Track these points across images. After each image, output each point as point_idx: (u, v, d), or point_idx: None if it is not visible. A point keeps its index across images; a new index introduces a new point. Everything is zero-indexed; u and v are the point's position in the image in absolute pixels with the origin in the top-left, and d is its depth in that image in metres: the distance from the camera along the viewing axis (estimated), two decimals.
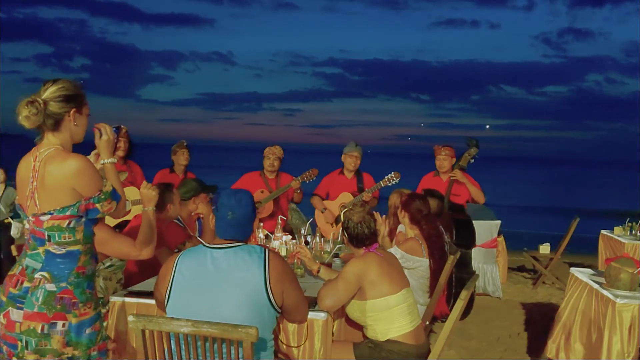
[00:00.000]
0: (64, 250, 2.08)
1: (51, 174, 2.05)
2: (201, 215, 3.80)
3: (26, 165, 2.13)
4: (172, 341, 2.05)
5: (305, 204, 5.52)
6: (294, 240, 3.73)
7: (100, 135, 2.29)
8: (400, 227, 4.11)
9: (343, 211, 2.97)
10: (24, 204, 2.12)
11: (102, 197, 2.11)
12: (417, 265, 3.55)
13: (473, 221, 5.48)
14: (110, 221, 3.38)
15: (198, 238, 3.56)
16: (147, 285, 2.93)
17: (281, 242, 3.68)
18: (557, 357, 3.72)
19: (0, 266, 6.20)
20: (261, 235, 3.87)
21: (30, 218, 2.10)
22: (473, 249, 5.80)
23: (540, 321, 5.13)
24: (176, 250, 3.31)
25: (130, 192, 3.88)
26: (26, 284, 2.06)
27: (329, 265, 3.38)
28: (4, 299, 2.09)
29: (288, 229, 4.85)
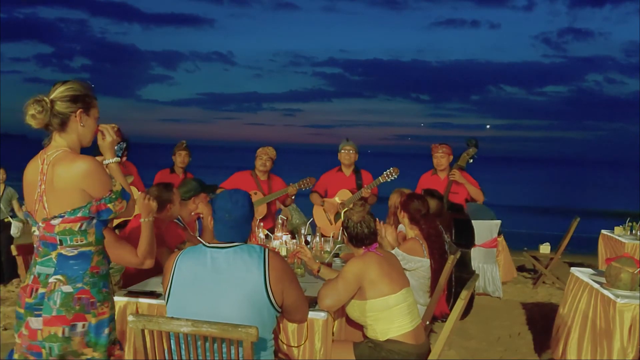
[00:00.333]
0: (75, 252, 2.07)
1: (60, 176, 2.03)
2: (201, 215, 3.80)
3: (33, 169, 2.11)
4: (172, 341, 2.04)
5: (304, 204, 5.53)
6: (294, 240, 3.73)
7: (104, 137, 2.29)
8: (400, 227, 4.12)
9: (343, 210, 2.97)
10: (32, 208, 2.10)
11: (113, 196, 2.12)
12: (417, 265, 3.55)
13: (473, 221, 5.48)
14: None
15: (198, 238, 3.56)
16: (147, 285, 2.93)
17: (281, 241, 3.68)
18: (558, 357, 3.72)
19: (0, 266, 6.20)
20: (261, 235, 3.88)
21: (40, 224, 2.07)
22: (473, 249, 5.80)
23: (540, 321, 5.13)
24: (176, 249, 3.31)
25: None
26: (41, 290, 2.05)
27: (329, 265, 3.38)
28: (21, 310, 2.08)
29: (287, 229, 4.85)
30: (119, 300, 2.70)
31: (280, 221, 3.97)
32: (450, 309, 2.71)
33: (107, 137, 2.28)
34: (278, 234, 3.80)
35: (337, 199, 5.19)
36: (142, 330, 2.01)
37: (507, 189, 30.70)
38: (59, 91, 2.07)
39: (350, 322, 2.89)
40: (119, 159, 2.32)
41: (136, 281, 3.03)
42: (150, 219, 2.74)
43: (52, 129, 2.10)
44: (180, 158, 5.64)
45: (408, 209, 3.70)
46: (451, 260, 3.52)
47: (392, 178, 5.05)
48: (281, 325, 2.52)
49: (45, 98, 2.05)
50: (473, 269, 5.65)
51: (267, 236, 3.93)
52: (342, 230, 2.92)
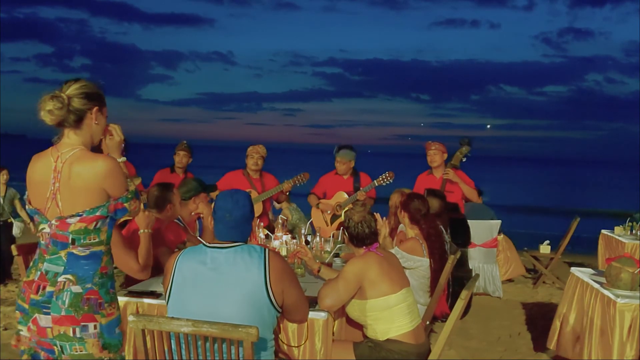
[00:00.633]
0: (87, 252, 2.06)
1: (80, 175, 2.02)
2: (201, 215, 3.80)
3: (44, 166, 2.09)
4: (172, 341, 2.04)
5: (304, 204, 5.53)
6: (294, 240, 3.73)
7: (111, 136, 2.29)
8: (400, 227, 4.12)
9: (344, 210, 2.98)
10: (43, 206, 2.07)
11: (129, 196, 2.11)
12: (417, 265, 3.55)
13: (474, 221, 5.48)
14: None
15: (198, 238, 3.56)
16: (147, 285, 2.93)
17: (281, 242, 3.68)
18: (554, 348, 3.73)
19: (2, 265, 6.21)
20: (261, 235, 3.88)
21: (53, 222, 2.05)
22: (473, 249, 5.79)
23: (540, 321, 5.14)
24: (176, 249, 3.32)
25: None
26: (49, 289, 2.03)
27: (329, 264, 3.38)
28: (25, 305, 2.07)
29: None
30: (119, 300, 2.70)
31: (280, 221, 3.97)
32: (448, 308, 2.72)
33: (116, 137, 2.28)
34: (278, 234, 3.80)
35: (333, 202, 5.19)
36: (143, 330, 2.01)
37: (507, 189, 30.72)
38: (74, 88, 2.06)
39: (350, 322, 2.89)
40: (125, 158, 2.33)
41: (137, 281, 3.03)
42: (149, 230, 2.76)
43: (67, 126, 2.09)
44: (179, 158, 5.68)
45: (408, 209, 3.70)
46: (451, 260, 3.52)
47: (388, 182, 5.07)
48: (281, 325, 2.52)
49: (62, 94, 2.04)
50: (472, 268, 5.66)
51: (267, 236, 3.93)
52: (343, 230, 2.92)
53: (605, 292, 3.30)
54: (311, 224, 4.88)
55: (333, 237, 3.85)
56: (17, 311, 2.12)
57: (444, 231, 3.88)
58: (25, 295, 2.08)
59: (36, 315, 2.04)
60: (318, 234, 3.85)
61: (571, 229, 6.73)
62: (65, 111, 2.04)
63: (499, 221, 6.01)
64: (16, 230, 6.35)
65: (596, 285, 3.45)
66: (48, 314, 2.02)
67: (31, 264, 2.15)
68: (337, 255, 3.74)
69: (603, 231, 6.45)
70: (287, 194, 5.17)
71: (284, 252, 3.53)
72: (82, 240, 2.04)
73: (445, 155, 5.26)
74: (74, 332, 2.01)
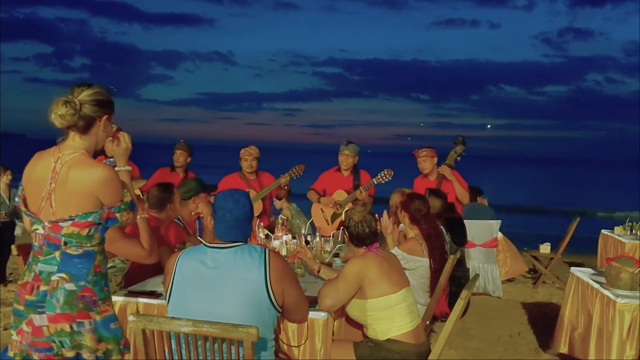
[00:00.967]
0: (80, 251, 2.06)
1: (76, 180, 2.02)
2: (201, 215, 3.80)
3: (44, 165, 2.09)
4: (172, 341, 2.04)
5: (304, 204, 5.53)
6: (294, 240, 3.73)
7: (119, 144, 2.28)
8: (401, 227, 4.12)
9: (344, 210, 2.98)
10: (37, 204, 2.08)
11: (122, 207, 2.11)
12: (417, 265, 3.55)
13: (474, 221, 5.48)
14: None
15: (199, 238, 3.56)
16: (147, 285, 2.93)
17: (281, 241, 3.68)
18: (560, 350, 3.73)
19: (3, 265, 6.21)
20: (261, 235, 3.88)
21: (46, 224, 2.05)
22: (473, 249, 5.79)
23: (540, 321, 5.14)
24: (176, 249, 3.32)
25: None
26: (43, 288, 2.03)
27: (329, 264, 3.38)
28: (20, 308, 2.07)
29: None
30: (119, 300, 2.70)
31: (280, 221, 3.97)
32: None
33: (123, 144, 2.28)
34: (278, 234, 3.80)
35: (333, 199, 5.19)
36: (143, 330, 2.01)
37: (507, 189, 30.71)
38: (86, 94, 2.06)
39: (350, 321, 2.89)
40: (130, 168, 2.32)
41: (137, 281, 3.03)
42: (144, 215, 2.74)
43: (75, 130, 2.09)
44: (176, 157, 5.69)
45: (408, 209, 3.70)
46: (451, 260, 3.52)
47: (387, 180, 5.06)
48: (281, 325, 2.52)
49: (74, 100, 2.04)
50: (472, 268, 5.66)
51: (267, 236, 3.93)
52: (343, 229, 2.92)
53: (605, 292, 3.30)
54: (311, 223, 4.88)
55: (333, 237, 3.85)
56: (13, 315, 2.12)
57: (444, 231, 3.88)
58: (20, 297, 2.08)
59: (31, 316, 2.04)
60: (318, 234, 3.85)
61: (571, 229, 6.73)
62: (77, 117, 2.05)
63: (499, 221, 6.01)
64: (18, 230, 6.35)
65: (596, 286, 3.45)
66: (43, 312, 2.03)
67: (25, 267, 2.15)
68: (337, 255, 3.74)
69: (603, 231, 6.45)
70: (287, 189, 5.15)
71: (284, 252, 3.53)
72: (74, 243, 2.05)
73: (436, 159, 5.24)
74: (71, 327, 2.02)
